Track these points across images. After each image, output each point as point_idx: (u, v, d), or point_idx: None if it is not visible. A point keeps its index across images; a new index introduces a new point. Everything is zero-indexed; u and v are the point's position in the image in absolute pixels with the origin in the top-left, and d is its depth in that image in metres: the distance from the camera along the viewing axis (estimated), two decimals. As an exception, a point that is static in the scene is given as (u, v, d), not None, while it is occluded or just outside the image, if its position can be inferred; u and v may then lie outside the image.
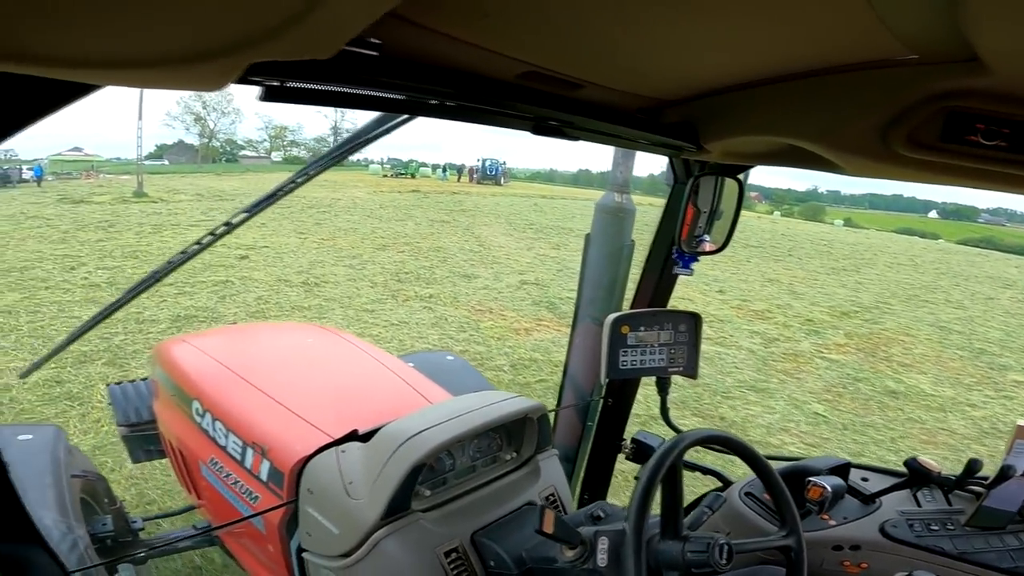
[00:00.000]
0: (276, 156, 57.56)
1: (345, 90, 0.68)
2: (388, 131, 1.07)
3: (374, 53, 0.62)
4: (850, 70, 0.74)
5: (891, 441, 4.54)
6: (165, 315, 5.62)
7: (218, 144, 53.69)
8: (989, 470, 1.44)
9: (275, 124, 58.69)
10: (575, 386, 2.28)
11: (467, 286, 7.99)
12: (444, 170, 33.09)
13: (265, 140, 59.23)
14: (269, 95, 0.62)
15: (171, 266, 1.38)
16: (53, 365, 4.24)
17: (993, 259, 25.51)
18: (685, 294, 8.91)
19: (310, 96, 0.65)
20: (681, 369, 1.65)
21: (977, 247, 37.07)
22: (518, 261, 10.28)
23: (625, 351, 1.56)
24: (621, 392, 1.84)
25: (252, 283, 7.25)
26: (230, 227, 1.30)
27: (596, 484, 1.98)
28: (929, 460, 1.52)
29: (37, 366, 1.98)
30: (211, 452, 1.57)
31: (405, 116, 0.95)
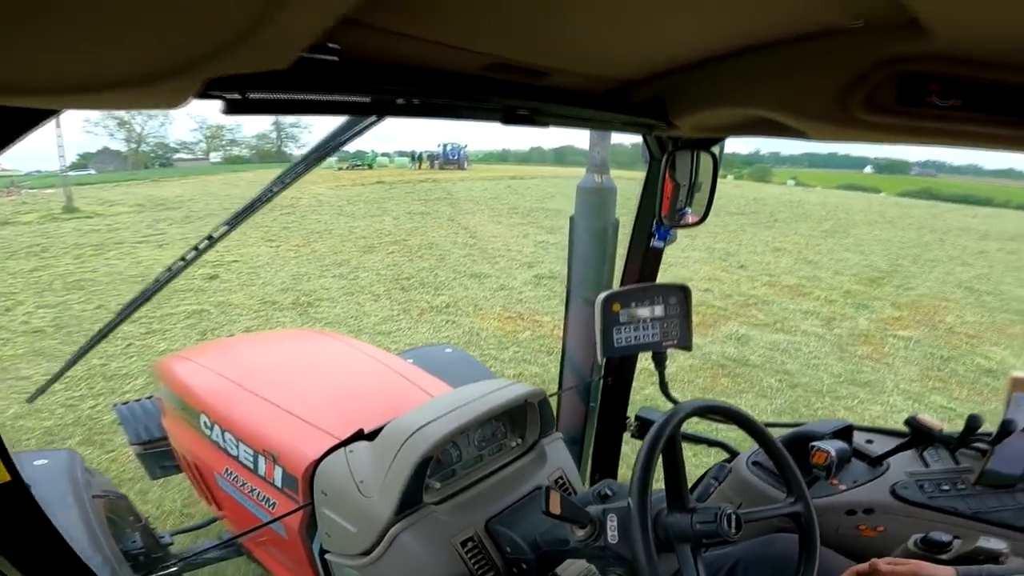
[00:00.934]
0: (215, 157, 53.88)
1: (309, 97, 0.67)
2: (359, 133, 1.06)
3: (334, 58, 0.62)
4: (804, 39, 0.75)
5: None
6: (138, 366, 4.49)
7: (148, 148, 49.84)
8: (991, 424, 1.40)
9: (210, 124, 54.84)
10: (574, 367, 2.27)
11: (481, 288, 7.07)
12: (412, 158, 31.38)
13: (201, 141, 55.28)
14: (231, 108, 0.62)
15: (158, 285, 1.39)
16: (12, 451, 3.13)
17: (944, 210, 26.36)
18: (711, 273, 8.28)
19: (273, 106, 0.65)
20: (675, 342, 1.65)
21: (920, 199, 38.52)
22: (520, 251, 9.39)
23: (618, 328, 1.57)
24: (620, 370, 1.86)
25: (233, 310, 6.10)
26: (212, 240, 1.32)
27: (605, 464, 2.00)
28: (930, 418, 1.51)
29: (43, 391, 1.84)
30: (224, 463, 1.59)
31: (374, 117, 0.94)
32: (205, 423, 1.64)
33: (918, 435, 1.52)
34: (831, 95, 0.75)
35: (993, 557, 1.09)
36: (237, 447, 1.54)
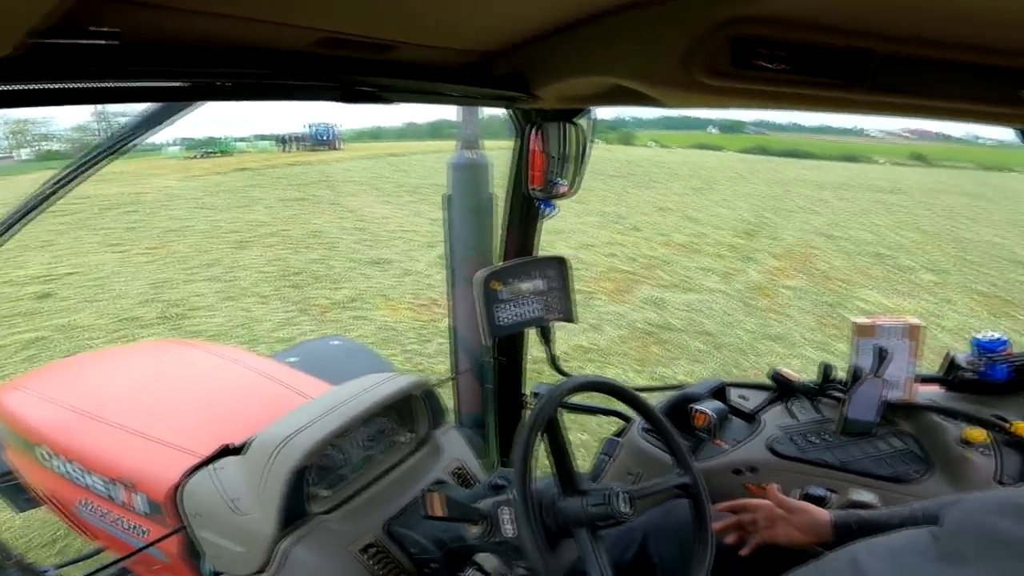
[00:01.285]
0: (25, 153, 44.88)
1: (80, 85, 0.61)
2: (166, 120, 0.95)
3: (112, 42, 0.56)
4: (648, 4, 0.76)
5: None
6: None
7: (-72, 145, 40.33)
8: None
9: (11, 119, 45.43)
10: (467, 349, 2.21)
11: (385, 276, 6.52)
12: (279, 141, 28.35)
13: (1, 138, 45.64)
14: None
15: None
16: None
17: (779, 164, 29.65)
18: (610, 237, 8.41)
19: (23, 98, 0.58)
20: (559, 315, 1.65)
21: (757, 155, 43.24)
22: (416, 231, 8.87)
23: (499, 307, 1.56)
24: (511, 348, 1.85)
25: (82, 333, 5.01)
26: None
27: (509, 445, 1.99)
28: (789, 370, 1.57)
29: None
30: (77, 494, 1.50)
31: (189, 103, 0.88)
32: (44, 455, 1.54)
33: (782, 388, 1.57)
34: (676, 61, 0.76)
35: (864, 509, 1.15)
36: (86, 477, 1.45)
